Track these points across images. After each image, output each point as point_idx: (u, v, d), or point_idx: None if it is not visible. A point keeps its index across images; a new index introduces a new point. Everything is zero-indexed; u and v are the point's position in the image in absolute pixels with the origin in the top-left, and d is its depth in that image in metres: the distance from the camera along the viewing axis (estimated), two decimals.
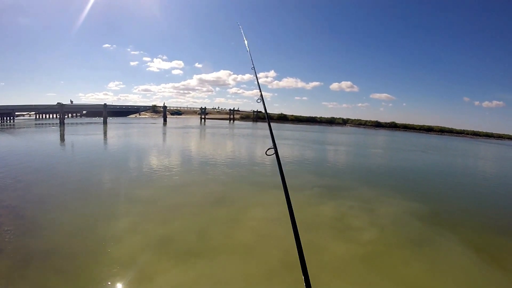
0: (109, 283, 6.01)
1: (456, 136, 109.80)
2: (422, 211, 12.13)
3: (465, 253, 8.64)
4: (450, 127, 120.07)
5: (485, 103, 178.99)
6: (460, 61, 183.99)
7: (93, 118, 74.13)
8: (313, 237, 8.66)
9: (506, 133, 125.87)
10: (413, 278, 7.10)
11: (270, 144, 3.04)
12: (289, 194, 2.57)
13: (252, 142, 35.52)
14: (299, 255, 1.98)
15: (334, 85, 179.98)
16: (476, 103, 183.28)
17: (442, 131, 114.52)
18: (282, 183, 2.64)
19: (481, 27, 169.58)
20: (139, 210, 10.16)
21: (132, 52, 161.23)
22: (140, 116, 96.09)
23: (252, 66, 4.87)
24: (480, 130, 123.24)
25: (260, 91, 4.06)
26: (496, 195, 17.58)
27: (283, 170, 2.80)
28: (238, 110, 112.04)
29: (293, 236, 2.12)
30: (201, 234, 8.43)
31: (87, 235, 8.11)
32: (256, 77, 4.43)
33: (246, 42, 5.46)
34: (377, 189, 14.92)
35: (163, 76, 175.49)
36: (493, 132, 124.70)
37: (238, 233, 8.61)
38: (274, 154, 2.96)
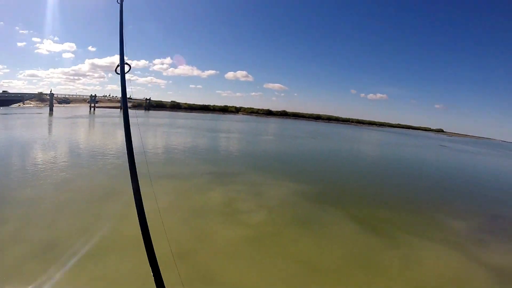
0: None
1: (342, 123, 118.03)
2: (309, 191, 12.94)
3: (348, 226, 9.50)
4: (337, 115, 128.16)
5: (370, 96, 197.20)
6: (349, 56, 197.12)
7: None
8: (204, 223, 8.65)
9: (387, 122, 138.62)
10: (303, 254, 7.46)
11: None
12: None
13: (143, 131, 34.22)
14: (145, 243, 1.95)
15: (230, 74, 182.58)
16: (362, 95, 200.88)
17: (329, 119, 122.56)
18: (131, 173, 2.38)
19: (369, 26, 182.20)
20: (21, 213, 9.11)
21: (21, 31, 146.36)
22: (24, 105, 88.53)
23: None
24: (364, 119, 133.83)
25: (122, 46, 2.84)
26: (373, 174, 19.88)
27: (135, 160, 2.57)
28: (130, 98, 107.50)
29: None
30: (89, 233, 7.79)
31: None
32: (121, 15, 3.01)
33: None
34: (266, 174, 15.42)
35: (53, 60, 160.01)
36: (376, 121, 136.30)
37: (128, 228, 8.27)
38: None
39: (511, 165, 42.73)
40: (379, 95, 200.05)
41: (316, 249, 7.84)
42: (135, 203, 2.32)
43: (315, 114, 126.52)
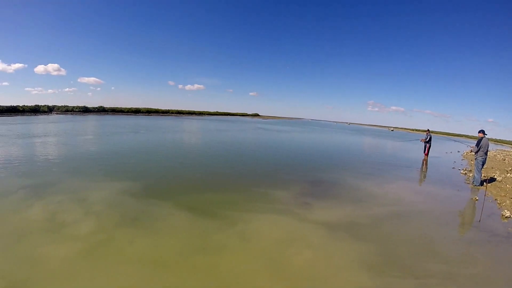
0: None
1: (162, 115, 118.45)
2: (134, 188, 13.09)
3: (180, 215, 10.16)
4: (156, 107, 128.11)
5: (188, 87, 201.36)
6: (166, 48, 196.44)
7: None
8: (30, 247, 7.76)
9: (206, 110, 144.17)
10: (142, 253, 7.61)
11: None
12: None
13: None
14: None
15: (40, 68, 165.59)
16: (180, 86, 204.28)
17: (149, 112, 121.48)
18: None
19: (184, 17, 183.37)
20: None
21: None
22: None
23: None
24: (183, 109, 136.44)
25: None
26: (196, 160, 21.47)
27: None
28: None
29: None
30: None
31: None
32: None
33: None
34: (87, 177, 14.74)
35: None
36: (195, 110, 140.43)
37: None
38: None
39: (317, 138, 50.03)
40: (196, 86, 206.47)
41: (154, 244, 8.04)
42: None
43: (134, 108, 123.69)
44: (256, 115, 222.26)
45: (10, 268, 6.88)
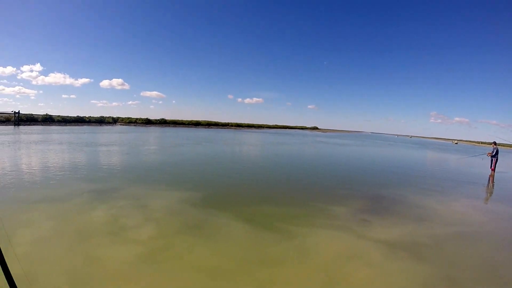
0: None
1: (222, 128, 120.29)
2: (194, 197, 13.09)
3: (238, 226, 9.93)
4: (216, 120, 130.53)
5: (247, 100, 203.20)
6: (225, 61, 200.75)
7: None
8: (91, 247, 8.05)
9: (265, 123, 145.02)
10: (200, 260, 7.51)
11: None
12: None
13: (14, 151, 29.30)
14: None
15: (105, 83, 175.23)
16: (239, 100, 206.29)
17: (209, 124, 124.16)
18: None
19: (243, 30, 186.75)
20: None
21: None
22: None
23: None
24: (243, 122, 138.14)
25: None
26: (256, 172, 21.04)
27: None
28: None
29: None
30: None
31: None
32: None
33: None
34: (149, 185, 15.13)
35: None
36: (254, 123, 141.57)
37: (13, 266, 7.36)
38: None
39: (378, 152, 48.50)
40: (255, 99, 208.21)
41: (212, 253, 7.94)
42: None
43: (195, 121, 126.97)
44: (315, 128, 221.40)
45: (74, 265, 7.13)
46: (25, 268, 6.74)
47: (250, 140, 58.98)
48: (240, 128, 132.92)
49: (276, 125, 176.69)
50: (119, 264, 7.23)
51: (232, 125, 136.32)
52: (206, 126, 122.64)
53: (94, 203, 11.96)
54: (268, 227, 9.97)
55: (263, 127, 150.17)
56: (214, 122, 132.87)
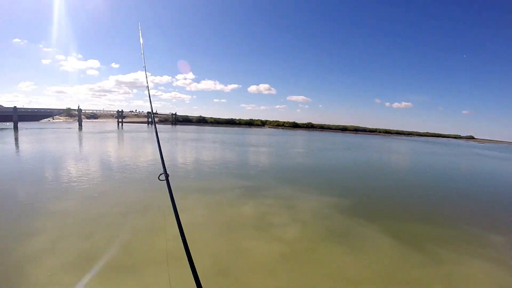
0: None
1: (370, 134, 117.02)
2: (342, 204, 12.65)
3: (384, 240, 9.18)
4: (363, 126, 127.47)
5: (395, 104, 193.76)
6: (372, 64, 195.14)
7: (3, 123, 68.77)
8: (238, 238, 8.56)
9: (415, 131, 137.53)
10: (340, 269, 7.22)
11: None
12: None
13: (173, 146, 34.44)
14: (189, 263, 1.86)
15: (253, 88, 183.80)
16: (387, 104, 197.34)
17: (356, 130, 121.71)
18: (174, 212, 2.36)
19: (391, 31, 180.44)
20: (58, 224, 9.25)
21: (45, 49, 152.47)
22: (54, 121, 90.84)
23: (143, 65, 4.60)
24: (391, 128, 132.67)
25: (148, 91, 3.85)
26: (408, 185, 19.17)
27: (173, 196, 2.54)
28: (156, 113, 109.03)
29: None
30: (125, 246, 7.80)
31: (4, 257, 7.35)
32: (146, 77, 4.30)
33: (141, 40, 5.08)
34: (298, 186, 15.22)
35: (78, 77, 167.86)
36: (403, 130, 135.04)
37: (163, 242, 8.19)
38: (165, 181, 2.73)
39: None
40: (404, 104, 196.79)
41: (354, 264, 7.56)
42: (176, 219, 2.31)
43: (341, 126, 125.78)
44: (471, 137, 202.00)
45: (220, 251, 7.70)
46: (175, 246, 7.37)
47: (399, 149, 55.89)
48: (389, 134, 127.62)
49: (427, 132, 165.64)
50: (262, 258, 7.44)
51: (380, 131, 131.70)
52: (354, 132, 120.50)
53: (244, 198, 12.71)
54: (416, 247, 8.98)
55: (413, 135, 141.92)
56: (362, 127, 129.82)
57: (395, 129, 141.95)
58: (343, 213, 11.52)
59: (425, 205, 14.38)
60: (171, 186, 2.50)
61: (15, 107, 59.00)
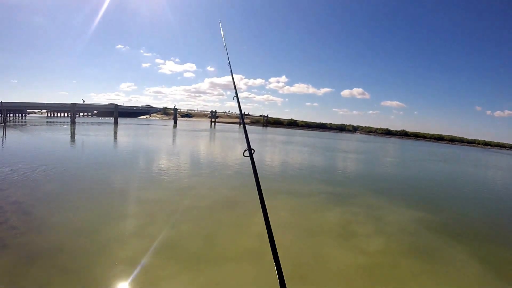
0: (112, 285, 5.87)
1: (467, 145, 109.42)
2: (431, 220, 11.86)
3: (472, 265, 8.34)
4: (460, 136, 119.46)
5: (497, 113, 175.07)
6: (472, 69, 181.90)
7: (104, 118, 74.77)
8: (319, 244, 8.52)
9: None
10: None
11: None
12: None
13: (263, 147, 35.28)
14: (275, 262, 1.90)
15: (346, 92, 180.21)
16: (488, 112, 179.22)
17: (452, 140, 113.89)
18: (257, 185, 2.52)
19: (494, 35, 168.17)
20: (146, 212, 10.05)
21: (145, 54, 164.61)
22: (150, 118, 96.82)
23: (228, 62, 4.74)
24: (491, 140, 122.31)
25: (235, 88, 3.90)
26: (508, 207, 17.31)
27: (257, 173, 2.75)
28: (248, 115, 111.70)
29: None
30: (208, 239, 8.23)
31: (93, 235, 8.01)
32: (232, 74, 4.35)
33: (223, 35, 5.24)
34: (385, 197, 14.65)
35: (175, 79, 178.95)
36: (505, 143, 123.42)
37: (245, 239, 8.42)
38: (249, 157, 2.91)
39: None
40: (507, 112, 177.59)
41: (436, 287, 7.07)
42: (263, 216, 2.31)
43: (437, 135, 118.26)
44: None
45: (299, 254, 7.82)
46: (255, 244, 8.05)
47: (500, 164, 51.44)
48: (488, 147, 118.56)
49: None
50: (342, 268, 7.33)
51: (479, 143, 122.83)
52: (450, 142, 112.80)
53: (329, 204, 12.67)
54: (506, 276, 8.14)
55: None
56: (459, 137, 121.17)
57: (495, 141, 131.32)
58: (430, 229, 10.75)
59: None
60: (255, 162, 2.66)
61: (116, 104, 65.79)
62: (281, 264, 1.82)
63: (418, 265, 8.04)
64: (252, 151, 2.87)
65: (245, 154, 2.83)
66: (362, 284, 6.76)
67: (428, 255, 8.69)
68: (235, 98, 3.86)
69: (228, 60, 4.78)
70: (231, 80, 4.01)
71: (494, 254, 9.43)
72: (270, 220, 2.01)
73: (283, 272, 1.83)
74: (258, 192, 2.45)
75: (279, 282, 1.90)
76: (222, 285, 6.21)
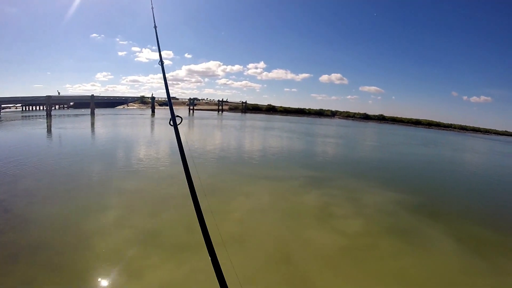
0: (97, 278, 5.79)
1: (444, 129, 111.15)
2: (408, 201, 12.12)
3: (448, 243, 8.62)
4: (437, 120, 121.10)
5: (473, 98, 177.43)
6: (449, 56, 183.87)
7: (81, 110, 73.60)
8: (299, 226, 8.66)
9: (492, 128, 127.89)
10: (402, 272, 6.94)
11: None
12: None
13: (242, 133, 35.45)
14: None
15: (324, 77, 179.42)
16: (465, 97, 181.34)
17: (429, 124, 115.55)
18: (182, 159, 2.51)
19: (472, 23, 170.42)
20: (126, 202, 9.94)
21: (121, 42, 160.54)
22: (128, 107, 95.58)
23: (154, 25, 4.60)
24: (467, 125, 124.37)
25: (160, 54, 3.81)
26: (484, 189, 17.73)
27: (182, 144, 2.75)
28: (227, 101, 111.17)
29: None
30: (190, 227, 8.22)
31: (74, 229, 7.89)
32: (157, 37, 4.32)
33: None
34: (363, 180, 14.86)
35: (152, 67, 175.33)
36: (480, 127, 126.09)
37: (226, 225, 8.50)
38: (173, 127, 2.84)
39: None
40: (483, 98, 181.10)
41: (414, 265, 7.25)
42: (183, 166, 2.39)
43: (414, 119, 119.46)
44: None
45: (281, 237, 8.02)
46: (237, 230, 8.12)
47: (476, 147, 51.25)
48: (464, 131, 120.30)
49: (506, 131, 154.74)
50: (322, 249, 7.44)
51: (455, 127, 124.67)
52: (427, 126, 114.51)
53: (308, 187, 12.78)
54: (481, 254, 8.11)
55: (491, 133, 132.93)
56: (436, 122, 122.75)
57: (471, 125, 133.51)
58: (408, 210, 11.01)
59: (497, 211, 13.32)
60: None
61: (92, 95, 65.12)
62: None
63: (396, 244, 8.24)
64: (180, 120, 2.83)
65: (170, 123, 2.80)
66: (343, 263, 6.89)
67: (406, 234, 8.92)
68: (160, 63, 3.76)
69: (154, 23, 4.73)
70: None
71: (469, 232, 9.76)
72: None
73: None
74: (183, 166, 2.51)
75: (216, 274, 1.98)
76: (206, 272, 6.27)
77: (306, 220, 9.24)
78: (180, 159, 2.52)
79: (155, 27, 4.59)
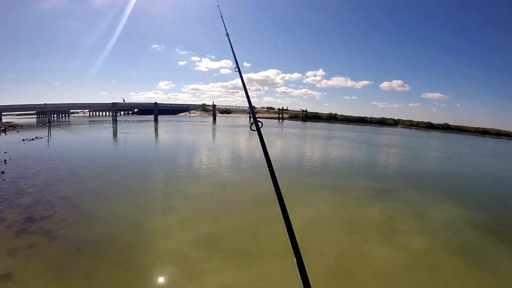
0: (157, 277, 6.23)
1: None
2: (478, 219, 11.30)
3: None
4: (507, 130, 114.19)
5: None
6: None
7: (145, 116, 76.64)
8: (359, 240, 8.50)
9: None
10: None
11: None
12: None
13: (303, 142, 35.49)
14: (295, 255, 1.99)
15: (385, 84, 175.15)
16: None
17: (498, 134, 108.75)
18: (267, 161, 2.65)
19: None
20: (189, 206, 10.36)
21: (181, 52, 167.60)
22: (189, 115, 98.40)
23: (226, 33, 4.84)
24: None
25: (236, 60, 3.98)
26: None
27: (266, 147, 2.91)
28: (286, 109, 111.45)
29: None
30: (251, 233, 8.39)
31: (138, 229, 8.39)
32: (230, 45, 4.45)
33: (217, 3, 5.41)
34: (428, 194, 14.10)
35: (212, 75, 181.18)
36: None
37: (284, 234, 8.39)
38: (257, 131, 3.05)
39: None
40: None
41: None
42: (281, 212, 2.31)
43: (481, 128, 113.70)
44: None
45: (342, 250, 7.86)
46: (298, 239, 7.62)
47: None
48: None
49: None
50: (384, 265, 7.26)
51: None
52: (495, 136, 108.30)
53: (370, 199, 12.49)
54: None
55: None
56: (505, 131, 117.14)
57: None
58: (477, 229, 10.25)
59: None
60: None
61: (155, 102, 68.57)
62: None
63: (463, 266, 7.74)
64: (260, 124, 3.03)
65: (251, 128, 3.01)
66: (406, 283, 6.68)
67: (474, 256, 8.35)
68: (236, 69, 3.95)
69: (226, 30, 4.98)
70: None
71: None
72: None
73: (305, 266, 1.79)
74: (269, 170, 2.57)
75: (301, 279, 1.93)
76: (266, 280, 6.26)
77: (368, 233, 9.07)
78: (265, 164, 2.65)
79: (227, 34, 4.84)
